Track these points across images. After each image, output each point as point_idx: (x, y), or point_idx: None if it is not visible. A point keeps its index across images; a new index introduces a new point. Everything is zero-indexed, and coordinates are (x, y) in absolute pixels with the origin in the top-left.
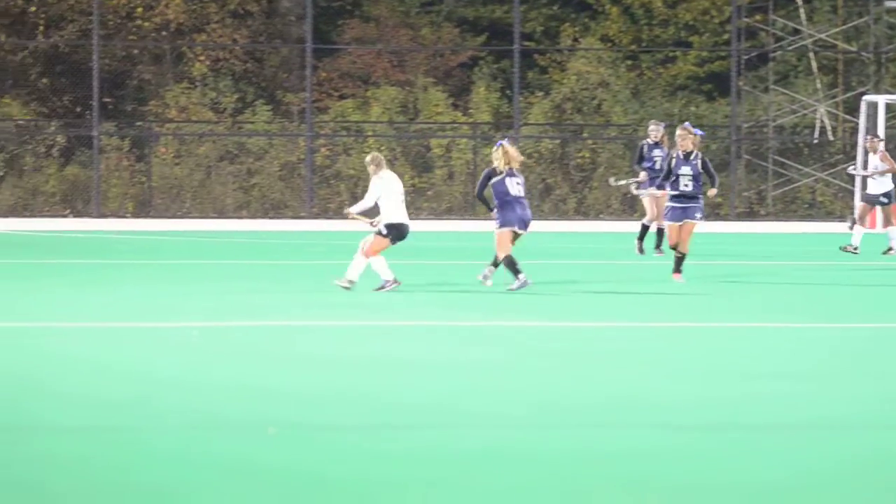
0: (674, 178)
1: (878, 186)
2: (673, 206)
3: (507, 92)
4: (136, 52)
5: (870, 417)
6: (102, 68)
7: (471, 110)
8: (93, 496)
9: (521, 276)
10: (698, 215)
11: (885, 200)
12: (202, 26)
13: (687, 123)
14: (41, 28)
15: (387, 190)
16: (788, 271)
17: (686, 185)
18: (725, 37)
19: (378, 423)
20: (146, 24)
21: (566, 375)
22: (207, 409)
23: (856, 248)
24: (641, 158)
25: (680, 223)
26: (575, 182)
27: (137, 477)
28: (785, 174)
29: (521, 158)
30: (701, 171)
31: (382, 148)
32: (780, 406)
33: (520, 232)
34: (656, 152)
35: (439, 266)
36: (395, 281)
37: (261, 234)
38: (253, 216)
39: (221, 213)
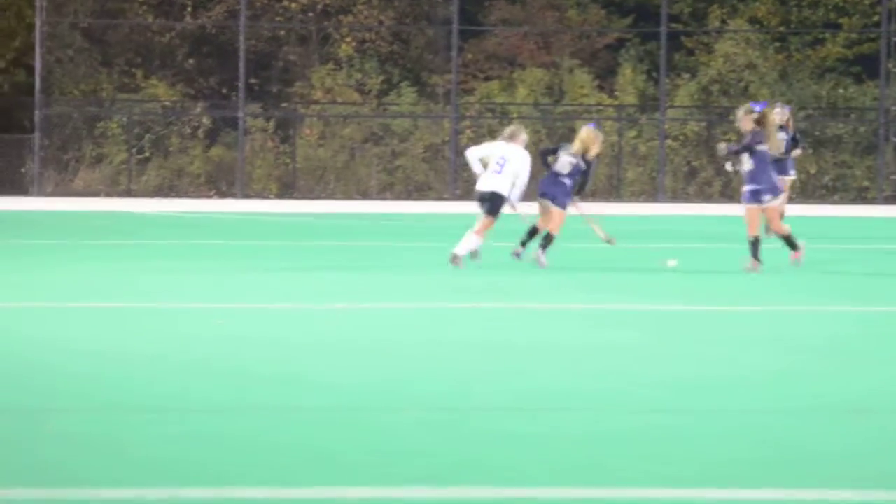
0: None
1: None
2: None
3: (653, 74)
4: (282, 33)
5: None
6: (248, 49)
7: (616, 92)
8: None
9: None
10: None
11: None
12: (349, 7)
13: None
14: (189, 9)
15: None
16: None
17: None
18: (875, 18)
19: (515, 406)
20: (293, 5)
21: (695, 358)
22: (355, 381)
23: None
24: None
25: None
26: (720, 165)
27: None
28: None
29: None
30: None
31: (528, 130)
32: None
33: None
34: (780, 135)
35: (583, 249)
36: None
37: (404, 217)
38: (397, 198)
39: (365, 195)
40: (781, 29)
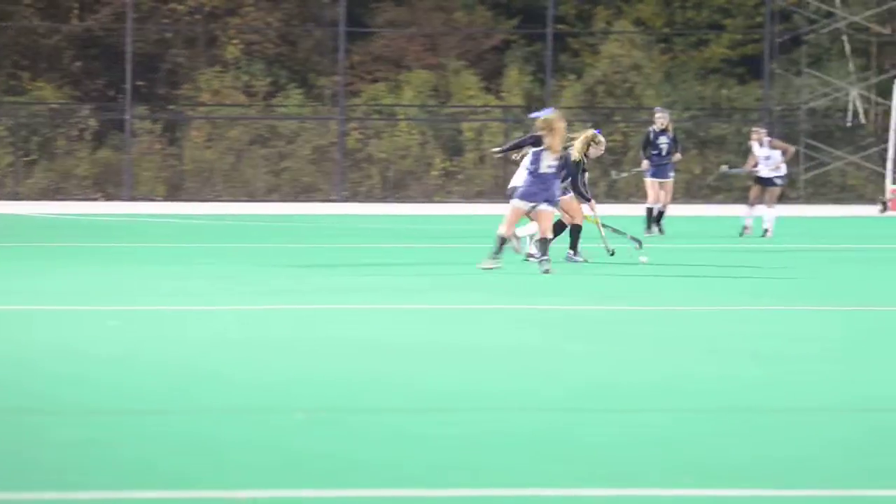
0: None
1: None
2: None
3: (540, 75)
4: (169, 35)
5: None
6: (135, 52)
7: (503, 94)
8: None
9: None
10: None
11: None
12: (236, 9)
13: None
14: (75, 11)
15: None
16: (818, 255)
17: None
18: (759, 19)
19: (417, 408)
20: (180, 7)
21: (605, 359)
22: (238, 395)
23: None
24: (648, 145)
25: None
26: (606, 165)
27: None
28: (816, 157)
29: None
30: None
31: (414, 132)
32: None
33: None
34: (662, 139)
35: (470, 249)
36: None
37: (291, 218)
38: (283, 199)
39: (252, 197)
40: (666, 30)
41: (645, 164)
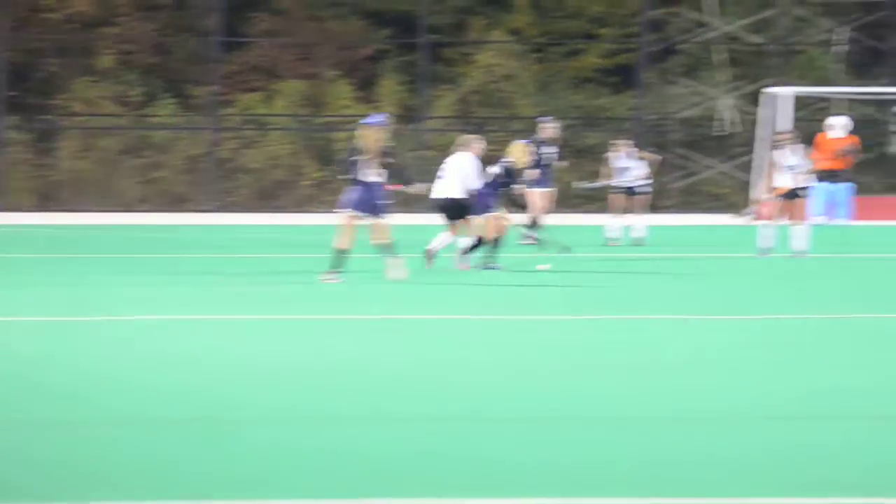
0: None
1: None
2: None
3: (414, 85)
4: (43, 44)
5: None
6: (8, 61)
7: (377, 103)
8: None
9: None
10: None
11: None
12: (111, 19)
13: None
14: None
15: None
16: (691, 262)
17: None
18: (633, 29)
19: (280, 419)
20: (54, 15)
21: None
22: (67, 408)
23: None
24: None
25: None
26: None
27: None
28: (688, 166)
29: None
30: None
31: (286, 141)
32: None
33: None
34: (552, 149)
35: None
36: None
37: (163, 228)
38: (155, 209)
39: (126, 207)
40: (540, 40)
41: (536, 172)
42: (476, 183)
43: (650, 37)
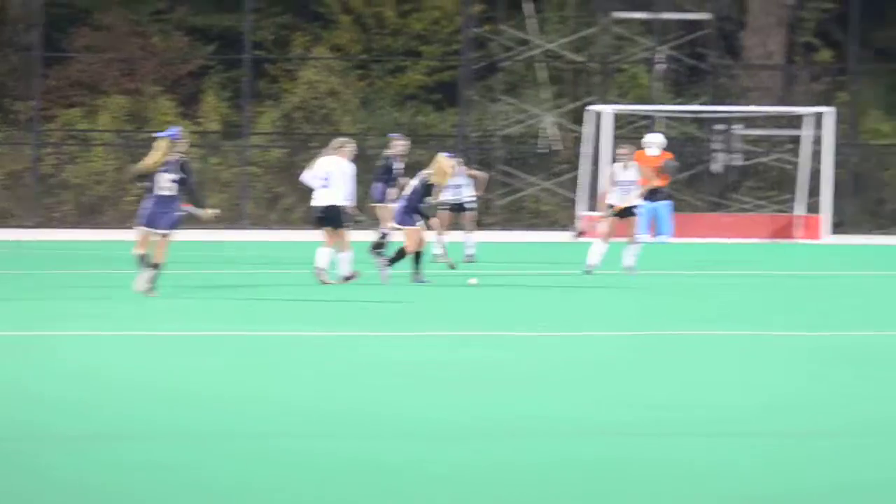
0: None
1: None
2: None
3: (237, 101)
4: None
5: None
6: None
7: (199, 119)
8: None
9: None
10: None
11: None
12: None
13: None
14: None
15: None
16: (523, 279)
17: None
18: (455, 47)
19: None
20: None
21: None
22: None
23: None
24: (389, 171)
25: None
26: (303, 192)
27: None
28: (511, 183)
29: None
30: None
31: (110, 157)
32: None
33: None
34: (399, 165)
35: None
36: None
37: None
38: None
39: None
40: (363, 56)
41: (393, 192)
42: (352, 190)
43: (473, 54)
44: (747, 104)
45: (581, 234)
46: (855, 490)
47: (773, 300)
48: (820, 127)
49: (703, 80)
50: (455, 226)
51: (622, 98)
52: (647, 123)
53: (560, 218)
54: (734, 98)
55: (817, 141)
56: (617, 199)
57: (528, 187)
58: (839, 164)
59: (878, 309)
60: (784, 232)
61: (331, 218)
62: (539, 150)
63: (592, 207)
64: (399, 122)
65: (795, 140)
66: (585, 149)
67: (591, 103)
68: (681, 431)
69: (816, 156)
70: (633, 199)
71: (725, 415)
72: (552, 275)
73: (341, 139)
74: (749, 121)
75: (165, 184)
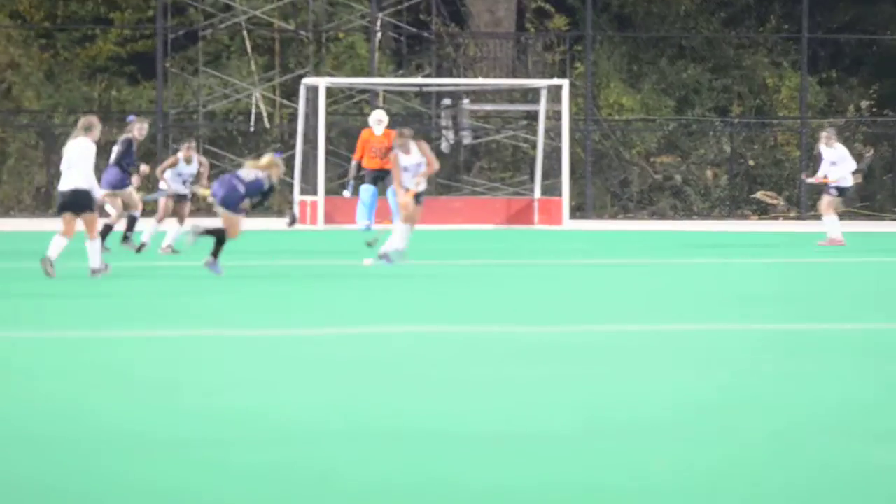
0: None
1: None
2: None
3: None
4: None
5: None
6: None
7: None
8: None
9: None
10: None
11: None
12: None
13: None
14: None
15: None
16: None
17: None
18: (150, 13)
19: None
20: None
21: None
22: None
23: None
24: (126, 154)
25: None
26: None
27: None
28: (219, 165)
29: None
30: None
31: None
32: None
33: None
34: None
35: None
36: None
37: None
38: None
39: None
40: (46, 24)
41: (136, 178)
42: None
43: (169, 22)
44: (475, 77)
45: (295, 220)
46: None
47: (496, 293)
48: (558, 101)
49: (426, 50)
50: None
51: (338, 70)
52: (367, 98)
53: (273, 203)
54: (461, 70)
55: (557, 117)
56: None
57: (237, 170)
58: (578, 143)
59: (611, 301)
60: (522, 217)
61: (77, 203)
62: (248, 129)
63: (309, 191)
64: (89, 98)
65: (532, 116)
66: (302, 126)
67: (304, 76)
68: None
69: (555, 134)
70: (421, 183)
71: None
72: (264, 266)
73: (91, 119)
74: (478, 95)
75: None
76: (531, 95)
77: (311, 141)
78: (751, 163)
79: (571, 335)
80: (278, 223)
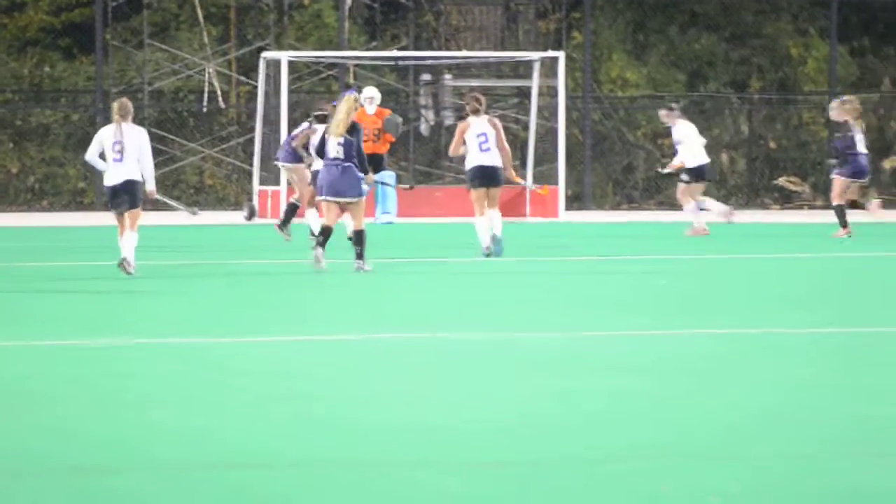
0: None
1: None
2: None
3: None
4: None
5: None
6: None
7: None
8: None
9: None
10: None
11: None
12: None
13: None
14: None
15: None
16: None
17: None
18: None
19: None
20: None
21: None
22: None
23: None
24: None
25: None
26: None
27: None
28: (168, 150)
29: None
30: None
31: None
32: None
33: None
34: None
35: None
36: None
37: None
38: None
39: None
40: None
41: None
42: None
43: None
44: (459, 49)
45: (254, 214)
46: None
47: (474, 296)
48: (554, 76)
49: (403, 18)
50: None
51: (302, 42)
52: (336, 73)
53: (229, 193)
54: (443, 41)
55: (552, 93)
56: None
57: (188, 156)
58: (575, 123)
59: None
60: (512, 208)
61: (132, 195)
62: (200, 109)
63: (270, 181)
64: (18, 75)
65: (524, 93)
66: (261, 106)
67: (263, 49)
68: None
69: (550, 114)
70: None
71: None
72: (218, 265)
73: (126, 101)
74: (462, 69)
75: None
76: (522, 69)
77: (271, 123)
78: (772, 145)
79: (569, 340)
80: (235, 216)
